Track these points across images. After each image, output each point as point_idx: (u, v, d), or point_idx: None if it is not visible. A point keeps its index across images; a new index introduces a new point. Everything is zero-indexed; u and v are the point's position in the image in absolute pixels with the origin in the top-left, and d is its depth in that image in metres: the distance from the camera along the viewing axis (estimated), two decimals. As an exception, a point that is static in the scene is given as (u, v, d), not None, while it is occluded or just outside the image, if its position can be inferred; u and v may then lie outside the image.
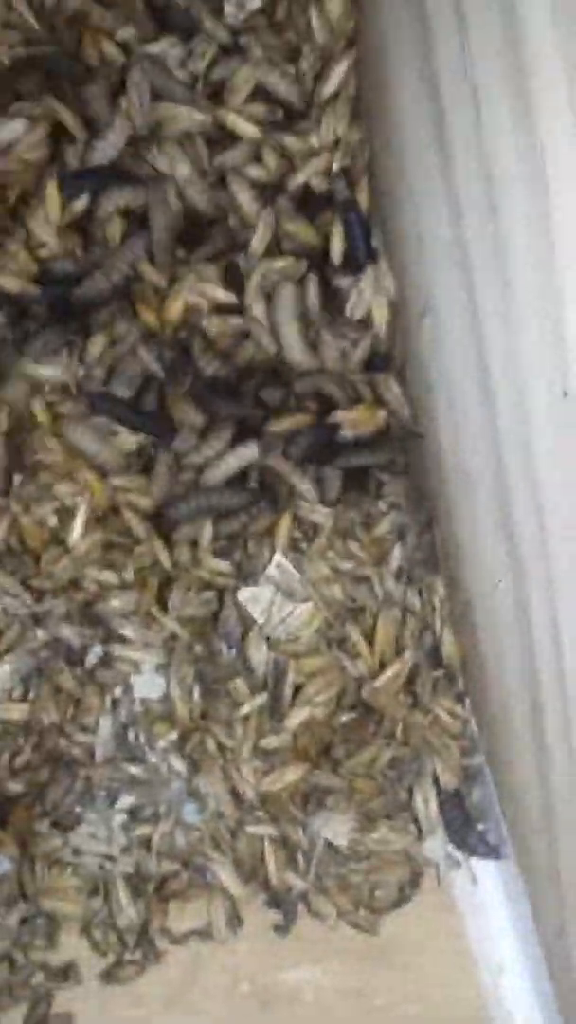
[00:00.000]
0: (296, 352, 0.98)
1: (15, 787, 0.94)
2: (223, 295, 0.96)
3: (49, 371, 0.93)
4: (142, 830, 0.96)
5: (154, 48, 0.92)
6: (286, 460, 0.99)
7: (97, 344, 0.96)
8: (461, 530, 0.96)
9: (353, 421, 0.99)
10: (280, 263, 0.97)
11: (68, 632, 0.94)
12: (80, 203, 0.94)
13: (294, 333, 0.98)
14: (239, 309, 0.97)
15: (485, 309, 0.83)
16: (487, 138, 0.77)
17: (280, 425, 0.97)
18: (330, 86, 0.95)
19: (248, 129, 0.94)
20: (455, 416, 0.93)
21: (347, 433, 0.99)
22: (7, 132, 0.91)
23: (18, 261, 0.94)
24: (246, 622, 0.98)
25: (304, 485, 1.00)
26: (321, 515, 0.99)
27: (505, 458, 0.84)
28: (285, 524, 0.98)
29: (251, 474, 1.00)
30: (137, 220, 0.96)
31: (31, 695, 0.95)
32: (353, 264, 0.99)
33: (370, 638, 0.98)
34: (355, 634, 0.97)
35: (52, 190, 0.93)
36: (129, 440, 0.97)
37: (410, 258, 0.94)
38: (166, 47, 0.91)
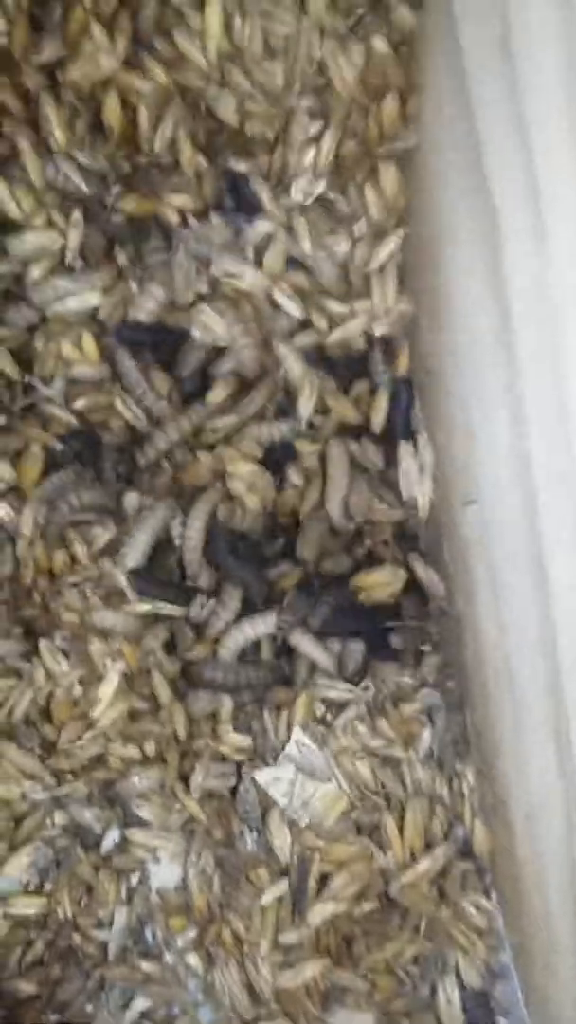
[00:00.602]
0: (336, 513, 0.96)
1: (26, 987, 0.88)
2: (265, 479, 0.94)
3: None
4: (155, 1032, 0.91)
5: (213, 220, 0.90)
6: (304, 633, 0.96)
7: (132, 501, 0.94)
8: (500, 726, 0.92)
9: (372, 584, 0.97)
10: (326, 429, 0.96)
11: (88, 816, 0.90)
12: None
13: (338, 495, 0.95)
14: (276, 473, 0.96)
15: (548, 513, 0.80)
16: (563, 360, 0.74)
17: (290, 581, 0.95)
18: (379, 259, 0.93)
19: (291, 306, 0.92)
20: (499, 607, 0.90)
21: (365, 598, 0.97)
22: (81, 303, 0.90)
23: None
24: (266, 803, 0.94)
25: (323, 659, 0.97)
26: (342, 691, 0.96)
27: (562, 667, 0.81)
28: (303, 703, 0.95)
29: (268, 644, 0.97)
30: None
31: (47, 887, 0.89)
32: (393, 434, 0.97)
33: (400, 827, 0.94)
34: (386, 822, 0.93)
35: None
36: (140, 606, 0.94)
37: (457, 444, 0.91)
38: (220, 220, 0.89)
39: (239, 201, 0.90)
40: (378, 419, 0.96)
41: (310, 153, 0.88)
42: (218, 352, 0.94)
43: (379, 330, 0.95)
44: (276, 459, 0.97)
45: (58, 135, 0.84)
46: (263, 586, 0.96)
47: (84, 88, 0.85)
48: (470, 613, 0.94)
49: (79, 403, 0.92)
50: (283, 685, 0.97)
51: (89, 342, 0.92)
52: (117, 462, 0.95)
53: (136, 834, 0.91)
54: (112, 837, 0.91)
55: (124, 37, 0.84)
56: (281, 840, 0.93)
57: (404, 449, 0.96)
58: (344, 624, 0.98)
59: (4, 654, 0.90)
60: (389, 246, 0.92)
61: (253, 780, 0.94)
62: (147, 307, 0.91)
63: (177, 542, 0.95)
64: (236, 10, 0.86)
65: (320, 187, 0.88)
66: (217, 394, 0.95)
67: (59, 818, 0.89)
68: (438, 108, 0.87)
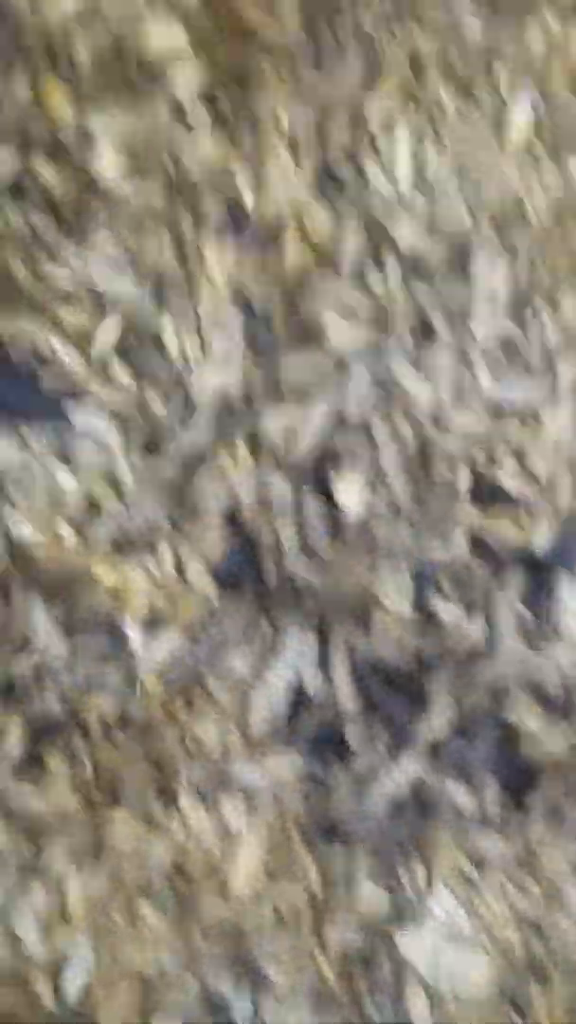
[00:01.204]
0: (503, 652, 0.90)
1: None
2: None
3: None
4: None
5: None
6: (452, 779, 0.90)
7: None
8: None
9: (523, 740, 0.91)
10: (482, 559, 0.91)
11: (220, 985, 0.84)
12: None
13: (507, 631, 0.90)
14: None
15: None
16: None
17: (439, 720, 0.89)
18: (554, 390, 0.88)
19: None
20: None
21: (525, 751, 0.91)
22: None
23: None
24: (404, 968, 0.88)
25: (469, 807, 0.91)
26: (487, 843, 0.90)
27: None
28: (446, 856, 0.89)
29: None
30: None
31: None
32: (553, 569, 0.92)
33: (547, 999, 0.88)
34: (533, 994, 0.87)
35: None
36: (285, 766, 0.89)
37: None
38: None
39: (419, 325, 0.85)
40: (540, 551, 0.91)
41: (493, 287, 0.83)
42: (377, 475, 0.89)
43: (545, 465, 0.90)
44: (423, 588, 0.91)
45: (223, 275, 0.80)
46: (412, 727, 0.90)
47: (267, 214, 0.80)
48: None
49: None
50: (424, 836, 0.91)
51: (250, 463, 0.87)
52: (259, 591, 0.89)
53: (267, 1002, 0.85)
54: (244, 1009, 0.85)
55: (313, 162, 0.79)
56: (419, 1010, 0.87)
57: (567, 584, 0.90)
58: (490, 770, 0.92)
59: (140, 802, 0.84)
60: (565, 377, 0.88)
61: (391, 943, 0.88)
62: (312, 430, 0.86)
63: (311, 679, 0.89)
64: (429, 136, 0.81)
65: (501, 324, 0.83)
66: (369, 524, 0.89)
67: (191, 988, 0.83)
68: None
